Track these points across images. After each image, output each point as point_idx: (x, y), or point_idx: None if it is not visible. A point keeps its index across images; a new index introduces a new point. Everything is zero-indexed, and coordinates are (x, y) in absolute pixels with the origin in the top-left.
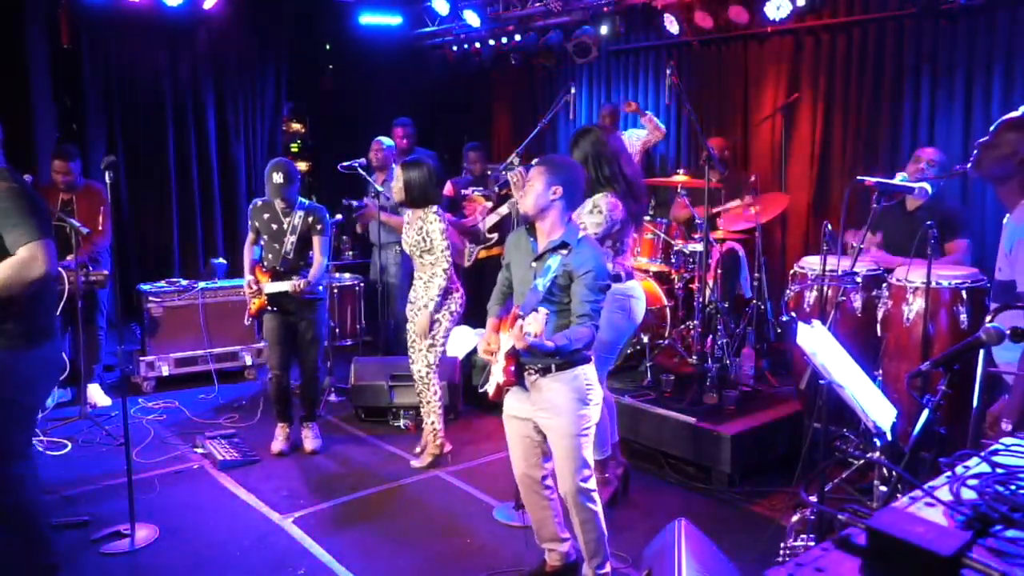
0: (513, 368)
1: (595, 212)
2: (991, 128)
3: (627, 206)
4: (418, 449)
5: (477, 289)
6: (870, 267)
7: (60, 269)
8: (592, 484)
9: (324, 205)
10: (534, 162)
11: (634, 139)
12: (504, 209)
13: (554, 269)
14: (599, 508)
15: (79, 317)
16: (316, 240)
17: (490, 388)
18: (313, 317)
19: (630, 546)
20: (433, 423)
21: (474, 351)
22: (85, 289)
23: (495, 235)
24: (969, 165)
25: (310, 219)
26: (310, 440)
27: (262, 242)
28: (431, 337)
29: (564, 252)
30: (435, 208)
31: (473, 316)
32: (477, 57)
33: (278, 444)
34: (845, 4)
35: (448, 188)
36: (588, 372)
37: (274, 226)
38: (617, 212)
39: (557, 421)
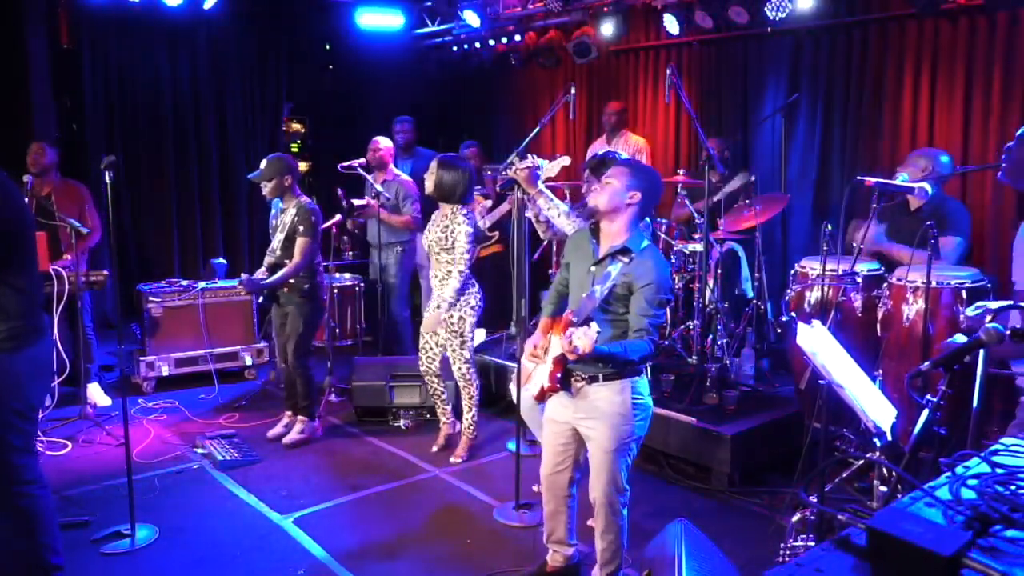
0: (559, 375)
1: None
2: (1018, 132)
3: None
4: (435, 448)
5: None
6: (870, 267)
7: (59, 269)
8: (623, 499)
9: (322, 205)
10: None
11: (631, 142)
12: (505, 206)
13: (614, 277)
14: (624, 523)
15: (79, 318)
16: (298, 240)
17: (533, 389)
18: (294, 310)
19: (630, 546)
20: (473, 416)
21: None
22: (84, 290)
23: (495, 234)
24: (999, 174)
25: (296, 218)
26: (291, 433)
27: None
28: (460, 335)
29: (625, 260)
30: (465, 210)
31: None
32: (477, 57)
33: (273, 429)
34: (845, 4)
35: None
36: (639, 385)
37: (274, 221)
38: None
39: (598, 431)
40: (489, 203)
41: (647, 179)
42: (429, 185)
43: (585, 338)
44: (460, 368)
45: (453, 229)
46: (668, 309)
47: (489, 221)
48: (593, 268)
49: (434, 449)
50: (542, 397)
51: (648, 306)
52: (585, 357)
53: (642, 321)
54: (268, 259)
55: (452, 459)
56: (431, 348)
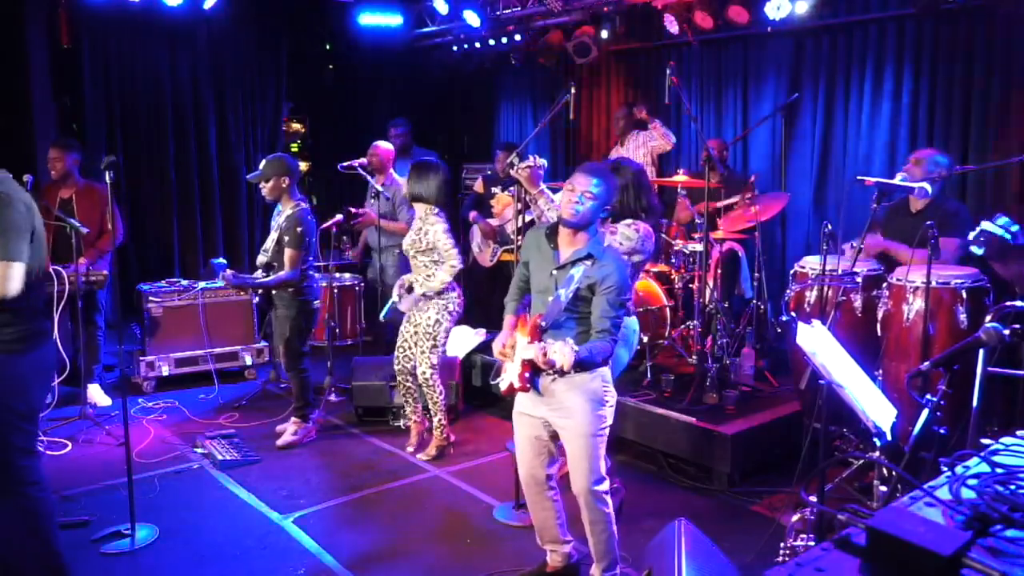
0: (528, 375)
1: (631, 228)
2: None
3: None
4: (410, 448)
5: (489, 290)
6: (870, 267)
7: (59, 269)
8: (605, 486)
9: (321, 204)
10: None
11: (641, 141)
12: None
13: (577, 279)
14: (611, 511)
15: (79, 317)
16: (286, 252)
17: (502, 385)
18: (283, 314)
19: (630, 546)
20: (440, 419)
21: (473, 351)
22: (85, 289)
23: (521, 238)
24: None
25: (285, 225)
26: (284, 435)
27: None
28: (432, 338)
29: (588, 263)
30: (435, 210)
31: (474, 315)
32: (477, 57)
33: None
34: (845, 4)
35: (479, 184)
36: (604, 374)
37: (272, 223)
38: (649, 243)
39: (572, 421)
40: (520, 205)
41: (613, 194)
42: (404, 190)
43: (563, 356)
44: (424, 372)
45: (427, 231)
46: (668, 309)
47: (515, 225)
48: (555, 272)
49: (409, 449)
50: (511, 392)
51: (610, 308)
52: (562, 371)
53: (605, 322)
54: (260, 258)
55: (421, 456)
56: (408, 348)
